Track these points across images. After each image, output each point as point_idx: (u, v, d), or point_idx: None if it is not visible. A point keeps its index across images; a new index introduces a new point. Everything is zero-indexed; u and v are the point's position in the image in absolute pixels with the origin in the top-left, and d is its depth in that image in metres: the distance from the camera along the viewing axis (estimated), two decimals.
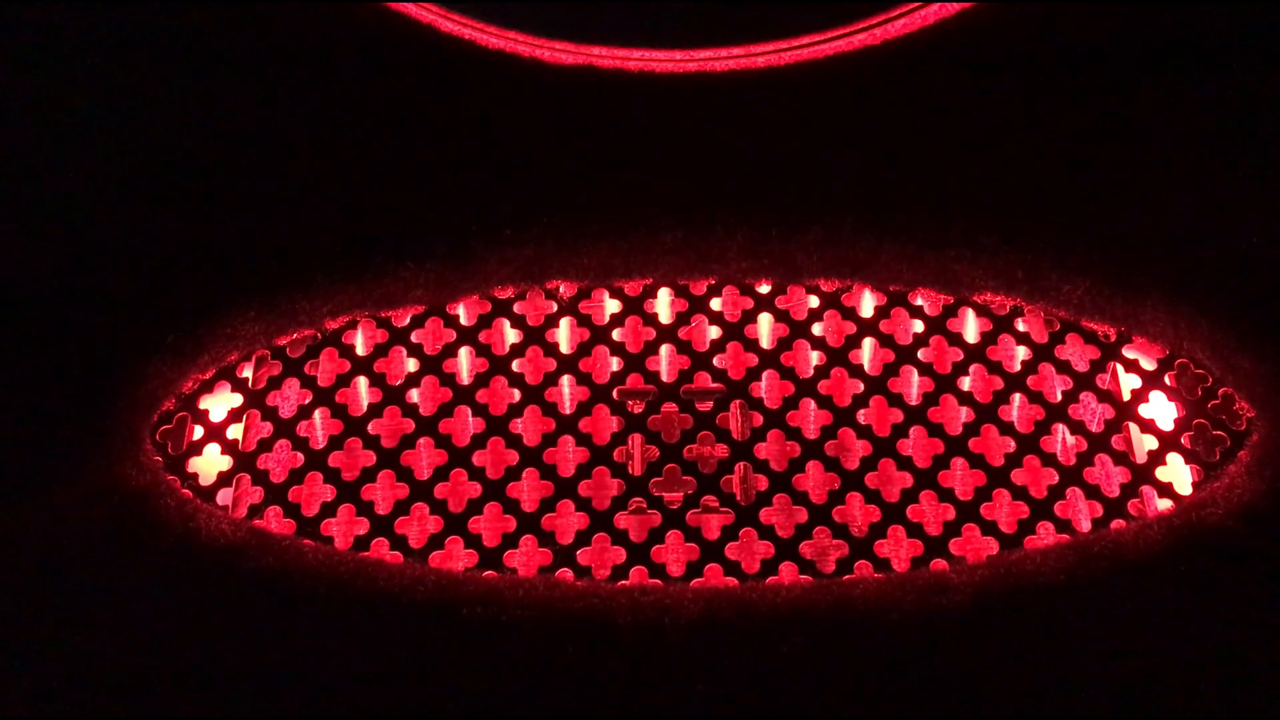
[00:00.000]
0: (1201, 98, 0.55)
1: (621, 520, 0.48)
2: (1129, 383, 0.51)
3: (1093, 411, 0.50)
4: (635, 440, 0.49)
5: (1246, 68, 0.56)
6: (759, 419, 0.50)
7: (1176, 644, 0.43)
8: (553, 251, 0.52)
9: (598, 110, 0.57)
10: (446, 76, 0.57)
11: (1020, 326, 0.52)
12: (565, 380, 0.51)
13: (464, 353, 0.51)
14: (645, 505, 0.48)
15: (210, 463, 0.49)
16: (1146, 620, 0.43)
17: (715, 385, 0.50)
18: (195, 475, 0.48)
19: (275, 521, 0.47)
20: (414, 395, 0.50)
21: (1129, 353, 0.51)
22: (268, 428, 0.50)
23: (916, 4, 0.60)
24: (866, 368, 0.51)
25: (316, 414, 0.50)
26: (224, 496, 0.48)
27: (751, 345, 0.51)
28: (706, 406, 0.50)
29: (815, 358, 0.51)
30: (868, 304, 0.52)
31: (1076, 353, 0.51)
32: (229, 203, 0.53)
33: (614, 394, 0.50)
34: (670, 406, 0.50)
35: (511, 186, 0.54)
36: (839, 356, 0.51)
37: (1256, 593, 0.44)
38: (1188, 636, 0.43)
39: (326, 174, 0.53)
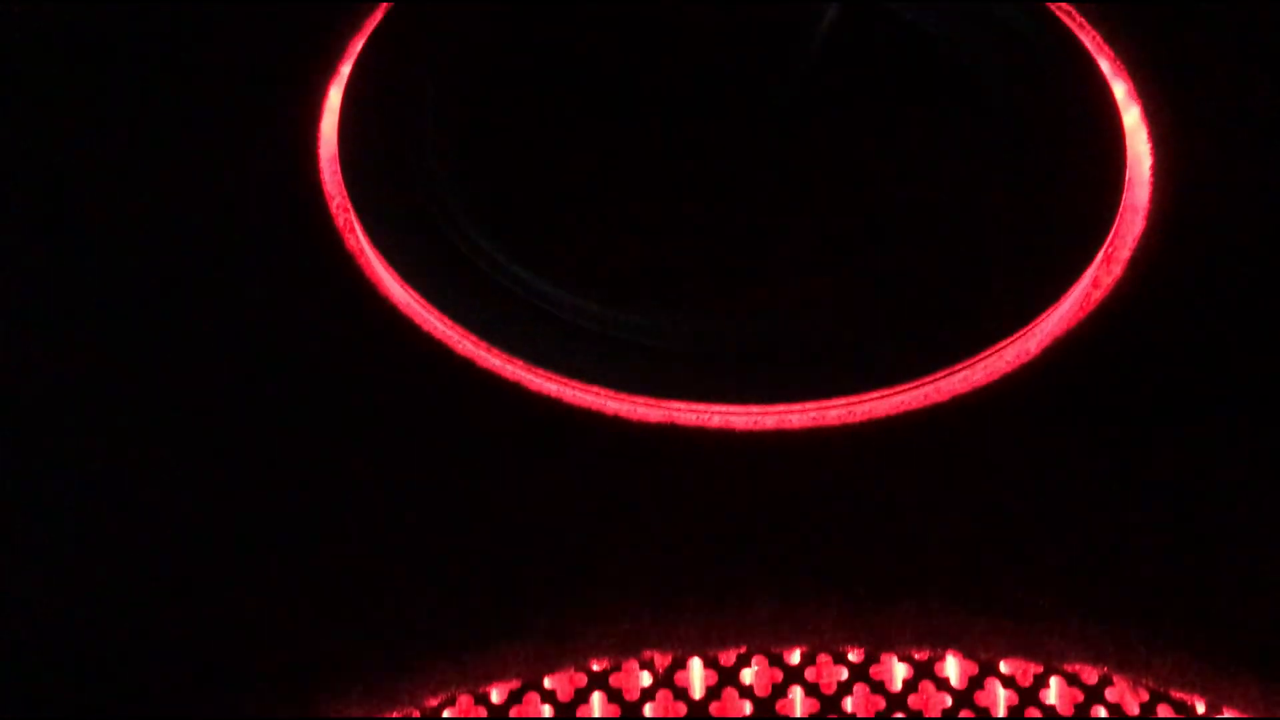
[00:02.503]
0: None
1: None
2: None
3: None
4: None
5: None
6: None
7: None
8: (649, 624, 0.53)
9: (681, 469, 0.59)
10: (535, 436, 0.60)
11: (1109, 697, 0.53)
12: None
13: None
14: None
15: None
16: None
17: None
18: None
19: None
20: None
21: None
22: None
23: (974, 358, 0.63)
24: None
25: None
26: None
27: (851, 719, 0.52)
28: None
29: None
30: (958, 672, 0.53)
31: None
32: (328, 581, 0.54)
33: None
34: None
35: (605, 554, 0.55)
36: None
37: None
38: None
39: (426, 550, 0.55)
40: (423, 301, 0.64)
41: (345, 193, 0.68)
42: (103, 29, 0.75)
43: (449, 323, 0.63)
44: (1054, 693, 0.53)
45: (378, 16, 0.76)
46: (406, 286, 0.64)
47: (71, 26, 0.75)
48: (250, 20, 0.75)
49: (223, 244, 0.66)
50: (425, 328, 0.63)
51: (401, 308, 0.64)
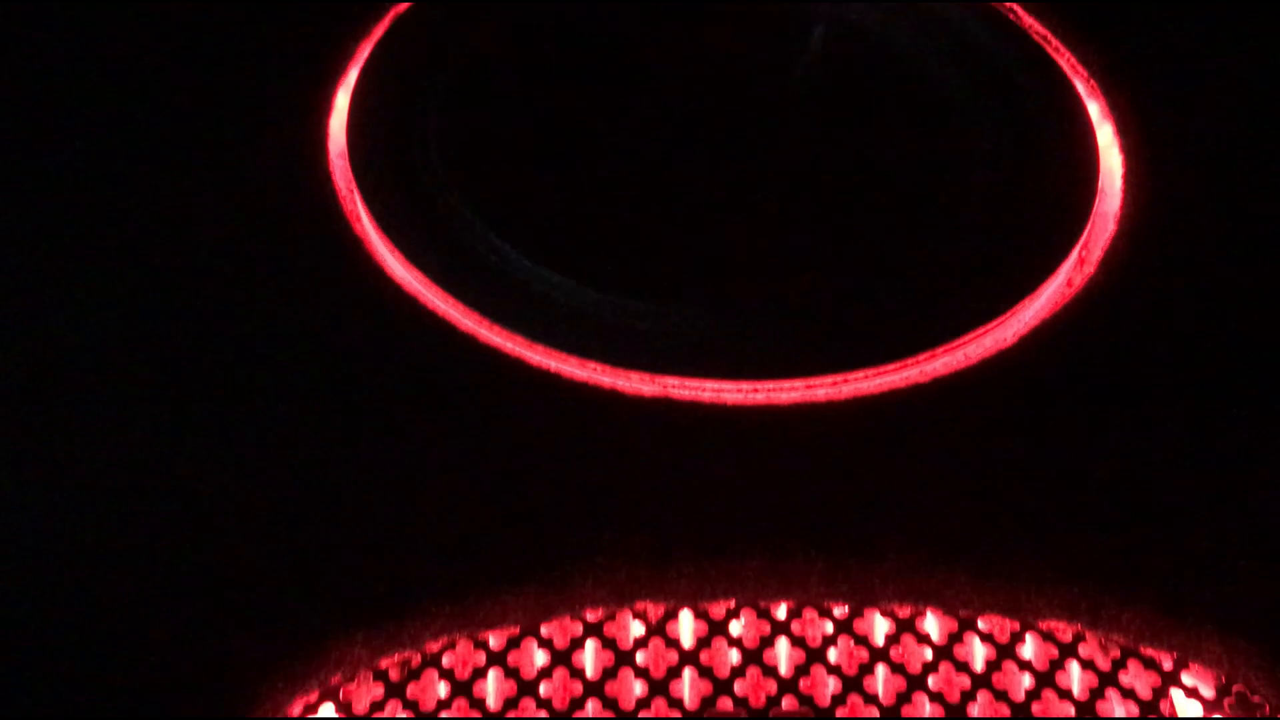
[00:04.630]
0: (1248, 420, 0.61)
1: None
2: (1190, 709, 0.54)
3: None
4: None
5: None
6: None
7: None
8: (642, 577, 0.56)
9: (674, 439, 0.61)
10: (534, 408, 0.62)
11: (1082, 653, 0.55)
12: (655, 704, 0.53)
13: (558, 675, 0.54)
14: None
15: None
16: None
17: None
18: None
19: None
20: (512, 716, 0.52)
21: (1187, 679, 0.54)
22: None
23: (955, 342, 0.66)
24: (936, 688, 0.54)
25: None
26: None
27: (835, 670, 0.54)
28: None
29: (882, 676, 0.54)
30: (939, 629, 0.56)
31: (1139, 679, 0.54)
32: (335, 524, 0.56)
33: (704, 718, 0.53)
34: None
35: (600, 514, 0.57)
36: (917, 681, 0.54)
37: None
38: None
39: (433, 501, 0.57)
40: (426, 282, 0.67)
41: (353, 183, 0.71)
42: (126, 32, 0.78)
43: (452, 301, 0.66)
44: (1030, 648, 0.55)
45: (385, 22, 0.79)
46: (411, 268, 0.67)
47: (95, 27, 0.78)
48: (266, 23, 0.79)
49: (239, 233, 0.69)
50: (429, 306, 0.66)
51: (406, 288, 0.67)
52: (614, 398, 0.63)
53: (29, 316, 0.64)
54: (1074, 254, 0.70)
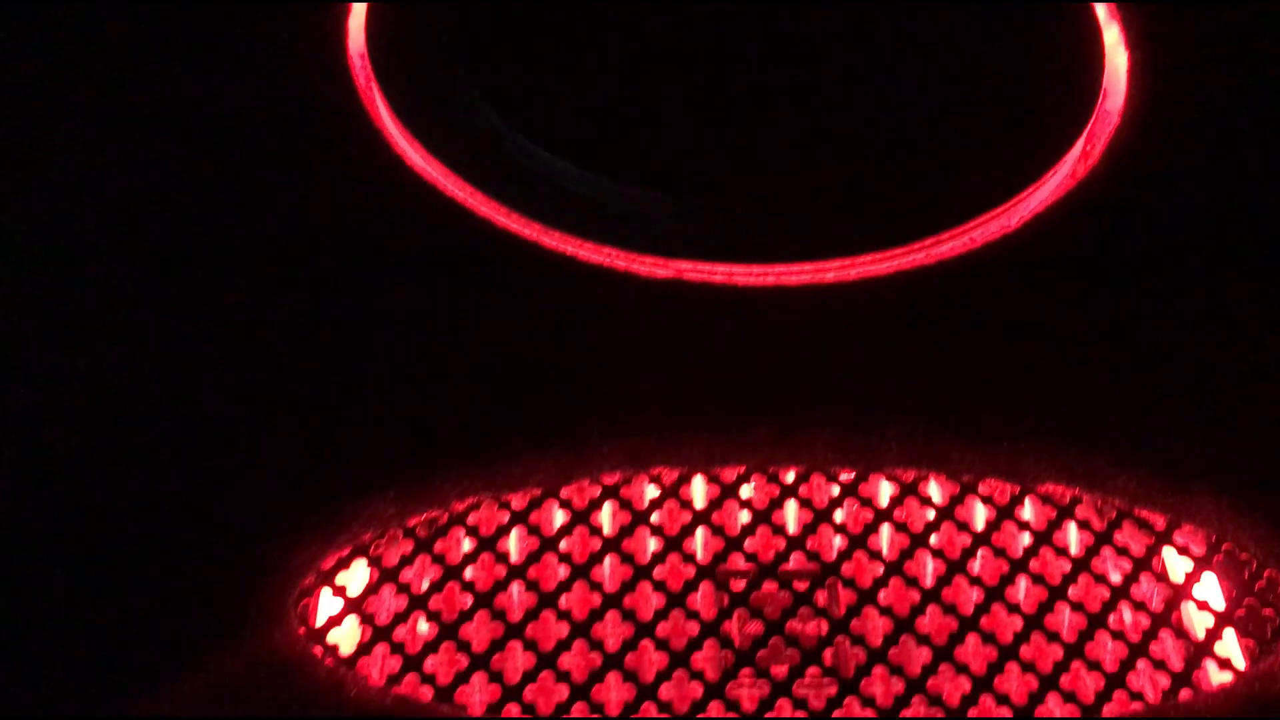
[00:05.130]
0: (1237, 298, 0.63)
1: (732, 691, 0.52)
2: (1181, 566, 0.56)
3: (1153, 593, 0.55)
4: (738, 615, 0.54)
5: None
6: (852, 596, 0.55)
7: None
8: (657, 444, 0.58)
9: (687, 318, 0.63)
10: (552, 288, 0.64)
11: (1079, 514, 0.57)
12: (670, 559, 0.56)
13: (578, 532, 0.56)
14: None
15: (350, 634, 0.53)
16: None
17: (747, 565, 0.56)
18: (336, 646, 0.52)
19: (413, 688, 0.51)
20: (533, 572, 0.55)
21: (1179, 538, 0.57)
22: (402, 602, 0.54)
23: (961, 227, 0.68)
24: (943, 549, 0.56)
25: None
26: (363, 665, 0.52)
27: (841, 529, 0.57)
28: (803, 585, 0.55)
29: (886, 535, 0.57)
30: (940, 493, 0.58)
31: (1133, 539, 0.57)
32: (368, 394, 0.58)
33: (716, 572, 0.55)
34: (770, 585, 0.55)
35: (617, 386, 0.60)
36: (920, 539, 0.56)
37: None
38: None
39: (458, 373, 0.59)
40: (446, 172, 0.69)
41: (372, 76, 0.72)
42: None
43: (471, 190, 0.68)
44: (1029, 510, 0.58)
45: None
46: (431, 159, 0.69)
47: None
48: None
49: (261, 128, 0.71)
50: (449, 194, 0.68)
51: (425, 176, 0.69)
52: (629, 279, 0.65)
53: (52, 199, 0.66)
54: (1078, 146, 0.71)
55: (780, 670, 0.52)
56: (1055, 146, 0.71)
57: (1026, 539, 0.57)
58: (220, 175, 0.68)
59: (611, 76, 0.74)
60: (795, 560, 0.56)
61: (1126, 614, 0.55)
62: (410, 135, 0.70)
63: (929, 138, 0.71)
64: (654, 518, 0.57)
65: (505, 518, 0.56)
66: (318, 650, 0.51)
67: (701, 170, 0.70)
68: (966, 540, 0.57)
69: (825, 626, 0.54)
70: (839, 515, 0.57)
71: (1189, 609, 0.55)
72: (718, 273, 0.66)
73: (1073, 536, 0.57)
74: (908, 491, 0.58)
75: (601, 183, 0.69)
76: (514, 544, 0.56)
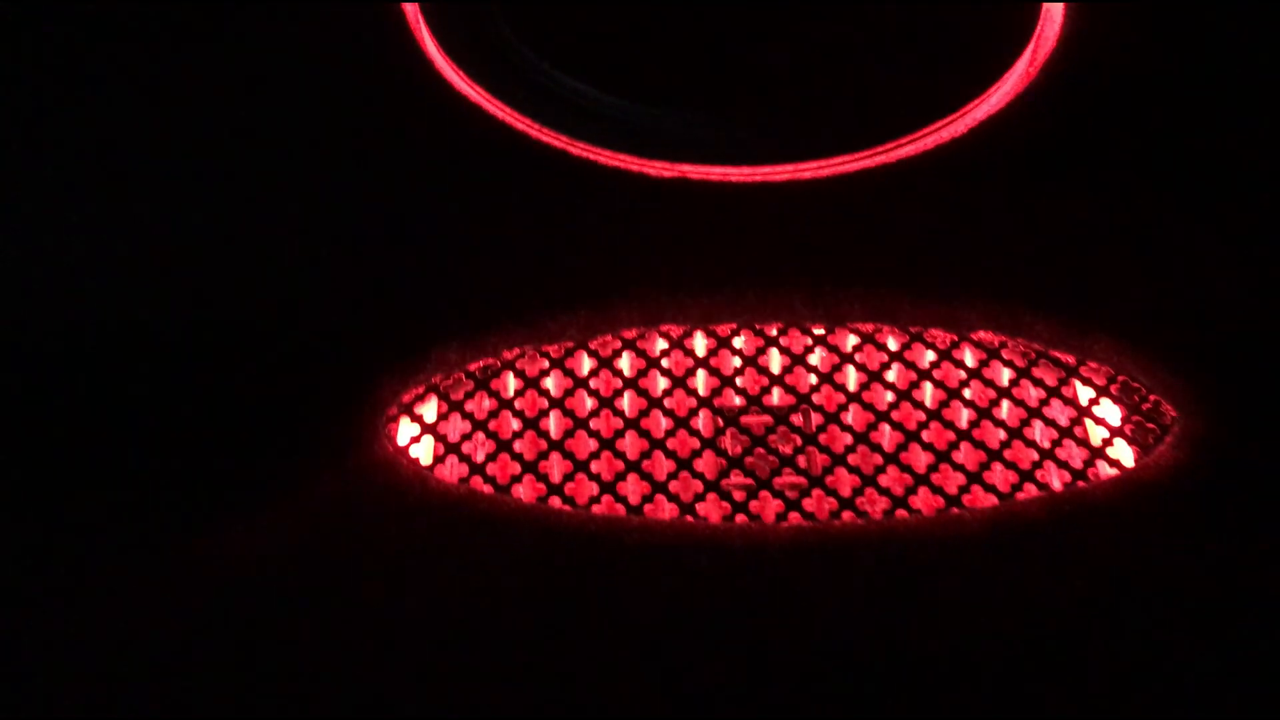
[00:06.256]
0: (1135, 188, 0.76)
1: (725, 485, 0.66)
2: (1086, 393, 0.70)
3: (1062, 414, 0.69)
4: (730, 432, 0.69)
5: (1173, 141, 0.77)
6: (820, 418, 0.69)
7: (1130, 569, 0.62)
8: (667, 306, 0.72)
9: (690, 210, 0.77)
10: (575, 189, 0.78)
11: (1005, 355, 0.72)
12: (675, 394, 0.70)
13: (603, 374, 0.71)
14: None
15: (427, 450, 0.68)
16: (1107, 542, 0.62)
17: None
18: (417, 459, 0.67)
19: (479, 487, 0.66)
20: (569, 404, 0.69)
21: (1085, 373, 0.71)
22: (466, 426, 0.68)
23: (916, 133, 0.81)
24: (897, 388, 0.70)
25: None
26: (438, 471, 0.67)
27: (813, 369, 0.71)
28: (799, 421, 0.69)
29: (850, 373, 0.71)
30: (894, 341, 0.72)
31: (1048, 373, 0.71)
32: (437, 267, 0.73)
33: (713, 404, 0.70)
34: (759, 415, 0.69)
35: (633, 260, 0.74)
36: (876, 375, 0.71)
37: (1182, 526, 0.63)
38: (1135, 558, 0.62)
39: (505, 252, 0.74)
40: (484, 94, 0.83)
41: (420, 13, 0.87)
42: None
43: (505, 109, 0.82)
44: (965, 353, 0.72)
45: None
46: (472, 84, 0.83)
47: None
48: None
49: (319, 55, 0.85)
50: (492, 114, 0.82)
51: (470, 98, 0.83)
52: (641, 179, 0.79)
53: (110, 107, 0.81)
54: (1020, 64, 0.85)
55: (764, 471, 0.67)
56: (1001, 60, 0.85)
57: (963, 374, 0.71)
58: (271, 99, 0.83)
59: (625, 15, 0.88)
60: (778, 393, 0.70)
61: (1040, 430, 0.69)
62: (455, 64, 0.85)
63: (892, 58, 0.85)
64: (664, 363, 0.71)
65: (545, 364, 0.71)
66: (404, 461, 0.66)
67: (702, 90, 0.84)
68: (914, 376, 0.71)
69: (800, 440, 0.68)
70: (813, 359, 0.72)
71: (1090, 425, 0.69)
72: (714, 173, 0.80)
73: (999, 372, 0.71)
74: (866, 340, 0.72)
75: (618, 103, 0.83)
76: (551, 383, 0.71)
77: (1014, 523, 0.63)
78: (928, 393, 0.71)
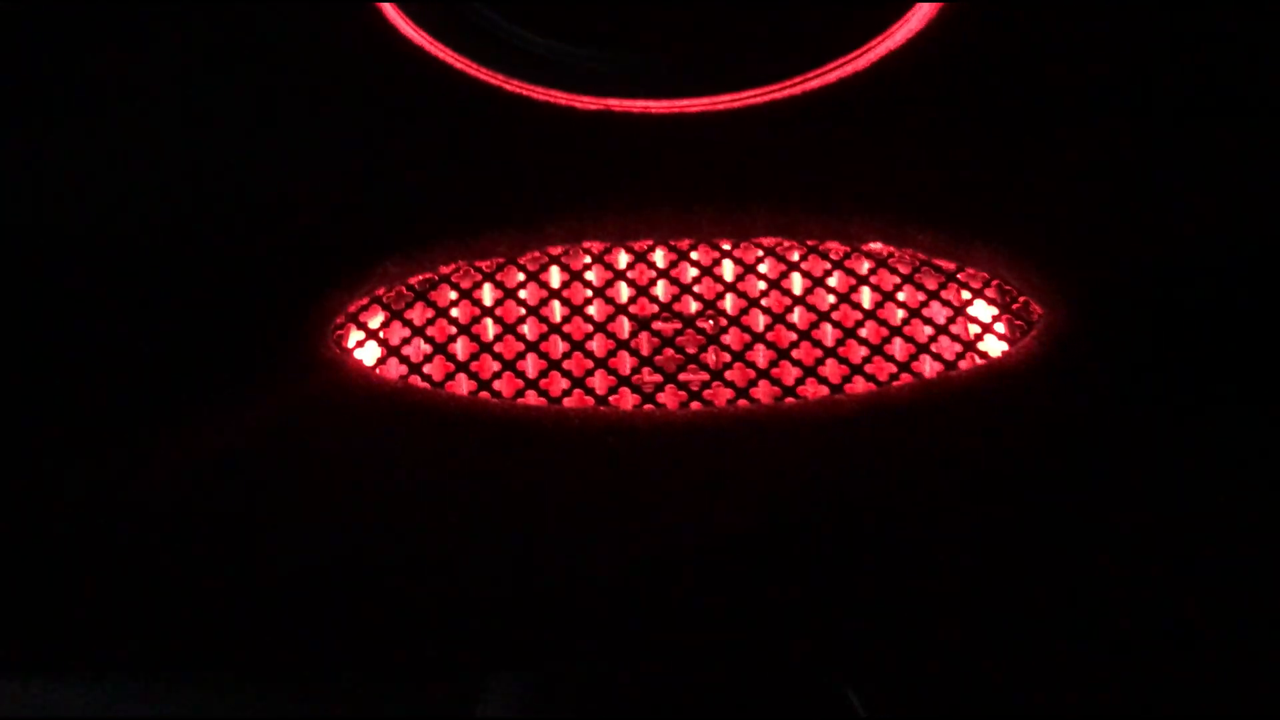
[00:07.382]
0: (1022, 121, 0.84)
1: (636, 380, 0.75)
2: (964, 295, 0.78)
3: (940, 313, 0.77)
4: (642, 338, 0.77)
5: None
6: (723, 321, 0.77)
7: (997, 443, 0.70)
8: (588, 223, 0.80)
9: (616, 141, 0.85)
10: (509, 122, 0.86)
11: (891, 263, 0.80)
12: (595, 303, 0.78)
13: (531, 287, 0.79)
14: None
15: (371, 354, 0.76)
16: (969, 420, 0.70)
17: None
18: (362, 360, 0.75)
19: (416, 383, 0.74)
20: (499, 312, 0.77)
21: (963, 279, 0.79)
22: (406, 332, 0.76)
23: (819, 69, 0.89)
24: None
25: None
26: (383, 371, 0.75)
27: (719, 280, 0.79)
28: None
29: (754, 281, 0.79)
30: (796, 253, 0.80)
31: (930, 278, 0.79)
32: (377, 190, 0.81)
33: (627, 311, 0.78)
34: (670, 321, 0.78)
35: (561, 187, 0.82)
36: (776, 284, 0.79)
37: (1037, 407, 0.71)
38: (994, 434, 0.70)
39: (442, 178, 0.82)
40: (428, 36, 0.90)
41: None
42: None
43: (446, 50, 0.90)
44: (857, 262, 0.80)
45: None
46: (439, 45, 0.91)
47: None
48: None
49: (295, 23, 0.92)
50: (431, 52, 0.90)
51: (441, 57, 0.90)
52: (570, 112, 0.87)
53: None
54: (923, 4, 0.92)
55: (671, 368, 0.75)
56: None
57: (855, 281, 0.79)
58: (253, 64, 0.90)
59: None
60: (692, 301, 0.78)
61: (921, 327, 0.77)
62: (404, 15, 0.92)
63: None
64: (588, 275, 0.79)
65: (479, 277, 0.79)
66: (350, 362, 0.74)
67: (632, 31, 0.92)
68: (809, 283, 0.79)
69: (702, 340, 0.76)
70: (723, 271, 0.80)
71: (966, 325, 0.77)
72: (636, 106, 0.87)
73: (887, 278, 0.79)
74: (768, 253, 0.80)
75: (549, 43, 0.91)
76: (486, 293, 0.79)
77: (886, 404, 0.71)
78: (819, 297, 0.79)
